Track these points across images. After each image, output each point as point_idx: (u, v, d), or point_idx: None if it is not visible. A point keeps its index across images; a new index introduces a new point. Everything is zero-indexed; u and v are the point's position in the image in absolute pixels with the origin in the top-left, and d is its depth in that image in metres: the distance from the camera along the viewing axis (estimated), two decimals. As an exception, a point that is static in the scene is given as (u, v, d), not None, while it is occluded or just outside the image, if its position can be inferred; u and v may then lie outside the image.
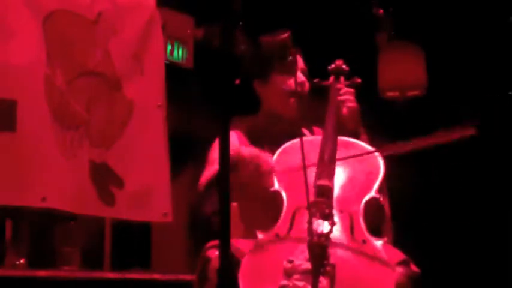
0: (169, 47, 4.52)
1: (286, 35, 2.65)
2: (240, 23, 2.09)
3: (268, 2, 4.30)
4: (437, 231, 4.64)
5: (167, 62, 3.32)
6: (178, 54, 4.63)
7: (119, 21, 2.90)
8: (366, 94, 2.92)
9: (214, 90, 1.91)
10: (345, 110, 2.75)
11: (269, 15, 4.19)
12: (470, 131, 2.27)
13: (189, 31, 4.58)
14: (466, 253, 4.59)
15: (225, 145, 1.84)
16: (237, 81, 2.73)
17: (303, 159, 2.35)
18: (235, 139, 2.80)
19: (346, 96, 2.76)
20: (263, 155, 2.61)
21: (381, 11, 4.58)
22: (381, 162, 2.59)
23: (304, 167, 2.33)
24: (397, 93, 4.90)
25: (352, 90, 2.79)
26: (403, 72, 4.88)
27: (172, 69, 3.60)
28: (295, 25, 2.72)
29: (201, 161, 2.91)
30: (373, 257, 2.33)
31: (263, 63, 2.83)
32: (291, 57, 2.74)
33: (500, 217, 4.59)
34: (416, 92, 4.89)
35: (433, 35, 4.76)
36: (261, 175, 2.57)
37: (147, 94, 2.94)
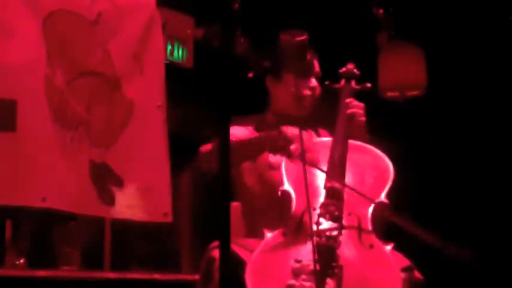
0: (169, 47, 4.52)
1: (304, 37, 2.65)
2: (239, 26, 2.09)
3: (268, 2, 4.30)
4: (442, 238, 4.63)
5: (167, 62, 3.32)
6: (178, 54, 4.63)
7: (119, 21, 2.89)
8: (366, 94, 2.93)
9: (214, 90, 1.91)
10: (353, 124, 2.74)
11: (268, 15, 4.19)
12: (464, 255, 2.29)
13: (189, 31, 4.58)
14: (470, 261, 4.57)
15: (225, 145, 1.84)
16: (250, 75, 2.73)
17: (303, 160, 2.35)
18: (249, 134, 2.81)
19: (355, 110, 2.76)
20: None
21: (381, 11, 4.57)
22: (391, 168, 2.60)
23: (305, 169, 2.33)
24: (397, 93, 4.90)
25: (362, 104, 2.79)
26: (403, 72, 4.88)
27: (172, 69, 3.59)
28: (294, 25, 2.72)
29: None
30: (380, 261, 2.33)
31: (279, 62, 2.83)
32: (307, 60, 2.75)
33: (505, 223, 4.58)
34: (416, 92, 4.89)
35: (433, 35, 4.76)
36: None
37: (147, 94, 2.93)
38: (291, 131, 2.52)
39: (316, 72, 2.89)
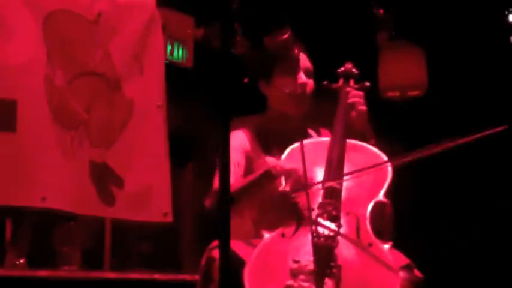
0: (169, 47, 4.52)
1: (286, 35, 2.64)
2: (239, 25, 2.09)
3: (268, 2, 4.30)
4: (442, 237, 4.63)
5: (167, 62, 3.32)
6: (178, 54, 4.63)
7: (119, 21, 2.90)
8: (366, 94, 2.92)
9: (214, 90, 1.91)
10: (354, 113, 2.74)
11: (268, 14, 4.19)
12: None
13: (189, 31, 4.58)
14: (470, 259, 4.57)
15: (225, 145, 1.84)
16: (246, 80, 2.73)
17: (303, 160, 2.35)
18: (245, 139, 2.79)
19: (355, 99, 2.75)
20: (298, 169, 2.58)
21: (381, 10, 4.57)
22: (390, 167, 2.59)
23: (304, 168, 2.33)
24: (397, 93, 4.90)
25: (361, 93, 2.78)
26: (403, 72, 4.88)
27: (172, 69, 3.59)
28: (295, 25, 2.71)
29: (200, 161, 2.91)
30: (378, 260, 2.33)
31: (265, 65, 2.82)
32: (292, 58, 2.73)
33: (504, 222, 4.59)
34: (416, 92, 4.89)
35: (433, 35, 4.76)
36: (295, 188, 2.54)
37: (147, 94, 2.94)
38: (270, 160, 2.53)
39: (305, 68, 2.88)
